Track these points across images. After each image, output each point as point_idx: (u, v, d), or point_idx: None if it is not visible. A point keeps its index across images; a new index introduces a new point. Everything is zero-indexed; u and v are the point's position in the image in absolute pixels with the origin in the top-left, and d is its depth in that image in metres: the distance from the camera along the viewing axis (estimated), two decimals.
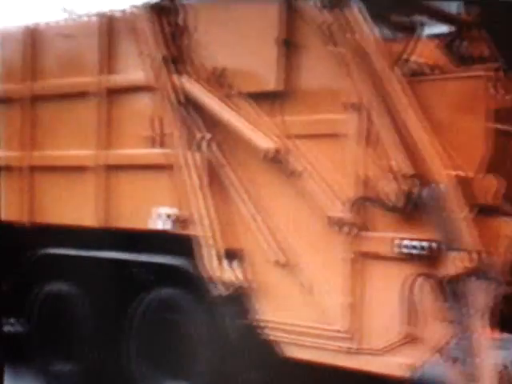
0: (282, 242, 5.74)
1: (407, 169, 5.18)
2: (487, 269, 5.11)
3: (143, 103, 6.52)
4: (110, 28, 6.75)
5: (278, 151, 5.67)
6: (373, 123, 5.31)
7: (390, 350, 5.33)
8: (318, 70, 5.58)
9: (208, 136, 6.02)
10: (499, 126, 5.79)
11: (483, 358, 5.09)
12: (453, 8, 6.84)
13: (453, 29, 6.80)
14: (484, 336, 5.22)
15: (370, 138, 5.34)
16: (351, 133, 5.39)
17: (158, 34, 6.26)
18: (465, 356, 5.12)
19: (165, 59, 6.20)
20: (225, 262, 5.90)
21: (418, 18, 5.88)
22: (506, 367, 5.38)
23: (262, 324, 5.86)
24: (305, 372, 5.92)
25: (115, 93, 6.69)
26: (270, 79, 5.75)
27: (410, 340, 5.28)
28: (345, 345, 5.48)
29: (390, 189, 5.23)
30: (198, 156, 6.03)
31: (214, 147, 6.01)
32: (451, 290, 5.15)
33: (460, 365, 5.18)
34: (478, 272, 5.09)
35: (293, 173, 5.64)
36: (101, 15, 6.86)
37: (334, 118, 5.48)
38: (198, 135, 6.04)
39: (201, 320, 6.09)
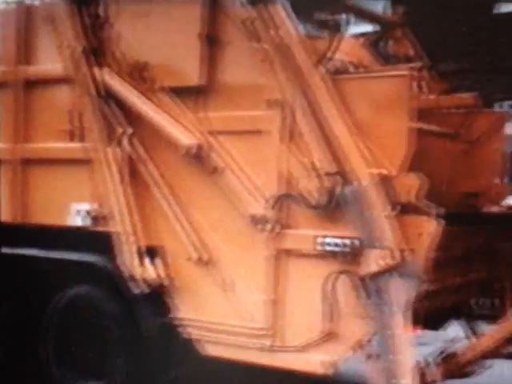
0: (205, 239, 5.68)
1: (330, 166, 5.18)
2: (409, 266, 5.16)
3: (62, 95, 6.34)
4: (27, 17, 6.54)
5: (200, 147, 5.60)
6: (296, 120, 5.30)
7: (311, 347, 5.34)
8: (241, 66, 5.53)
9: (129, 131, 5.90)
10: (422, 126, 5.88)
11: (404, 354, 5.12)
12: (379, 7, 6.91)
13: (378, 28, 6.88)
14: (405, 333, 5.27)
15: (293, 136, 5.32)
16: (274, 130, 5.36)
17: (77, 25, 6.10)
18: (386, 353, 5.15)
19: (85, 51, 6.04)
20: (146, 260, 5.80)
21: (342, 15, 5.89)
22: (427, 364, 5.46)
23: (183, 322, 5.79)
24: (227, 370, 5.89)
25: (33, 84, 6.50)
26: (192, 74, 5.66)
27: (331, 337, 5.30)
28: (266, 342, 5.46)
29: (312, 186, 5.22)
30: (118, 151, 5.90)
31: (136, 142, 5.90)
32: (373, 287, 5.17)
33: (381, 361, 5.21)
34: (399, 269, 5.13)
35: (215, 169, 5.58)
36: (19, 4, 6.65)
37: (257, 114, 5.44)
38: (119, 130, 5.91)
39: (120, 318, 5.98)
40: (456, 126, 6.40)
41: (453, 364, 5.59)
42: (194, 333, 5.75)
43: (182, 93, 5.75)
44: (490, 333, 5.53)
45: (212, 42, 5.59)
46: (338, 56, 5.53)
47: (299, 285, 5.37)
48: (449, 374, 5.60)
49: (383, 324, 5.16)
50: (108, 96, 5.94)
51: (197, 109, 5.71)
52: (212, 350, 5.71)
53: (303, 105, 5.24)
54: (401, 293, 5.16)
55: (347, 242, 5.23)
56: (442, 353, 5.68)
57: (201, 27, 5.60)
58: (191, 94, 5.72)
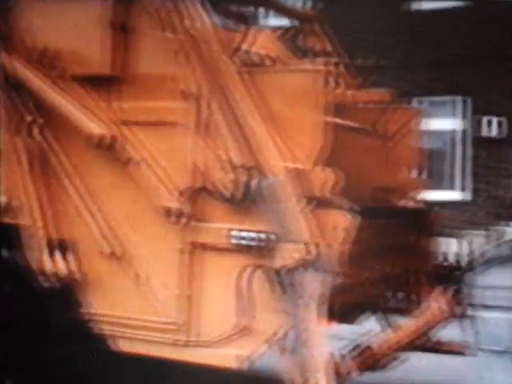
0: (118, 232, 5.58)
1: (245, 160, 5.14)
2: (324, 260, 5.18)
3: None
4: None
5: (113, 138, 5.49)
6: (211, 113, 5.25)
7: (225, 341, 5.30)
8: (156, 56, 5.45)
9: (40, 120, 5.74)
10: (338, 120, 5.90)
11: (319, 348, 5.14)
12: (297, 1, 6.92)
13: (295, 22, 6.87)
14: (320, 327, 5.29)
15: (208, 128, 5.27)
16: (189, 122, 5.29)
17: None
18: (300, 347, 5.16)
19: None
20: (56, 254, 5.67)
21: (259, 8, 5.87)
22: (342, 357, 5.48)
23: (95, 317, 5.67)
24: (139, 366, 5.80)
25: None
26: (105, 63, 5.54)
27: (246, 332, 5.28)
28: (181, 338, 5.40)
29: (227, 179, 5.18)
30: (28, 141, 5.74)
31: (47, 132, 5.75)
32: (288, 281, 5.17)
33: (295, 355, 5.22)
34: (314, 263, 5.14)
35: (129, 161, 5.47)
36: None
37: (171, 105, 5.37)
38: (28, 119, 5.75)
39: (29, 313, 5.83)
40: (372, 121, 6.43)
41: (368, 357, 5.62)
42: (106, 328, 5.65)
43: (95, 82, 5.63)
44: (405, 326, 5.59)
45: (126, 31, 5.49)
46: (254, 49, 5.52)
47: (214, 279, 5.33)
48: (364, 368, 5.64)
49: (298, 318, 5.17)
50: (17, 84, 5.77)
51: (110, 99, 5.60)
52: (125, 346, 5.61)
53: (219, 97, 5.19)
54: (315, 287, 5.17)
55: (262, 235, 5.22)
56: (357, 346, 5.71)
57: (114, 15, 5.49)
58: (104, 84, 5.61)
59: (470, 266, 5.42)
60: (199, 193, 5.31)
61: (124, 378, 5.96)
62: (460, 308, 5.42)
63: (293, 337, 5.24)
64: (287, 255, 5.12)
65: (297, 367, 5.21)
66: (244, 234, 5.26)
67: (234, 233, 5.29)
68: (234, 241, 5.29)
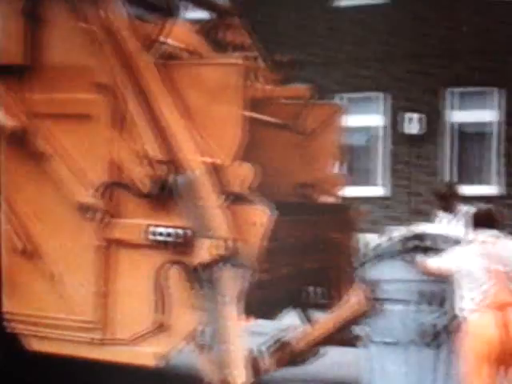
0: (30, 229, 5.42)
1: (160, 155, 5.06)
2: (241, 256, 5.14)
3: None
4: None
5: (24, 131, 5.32)
6: (127, 106, 5.14)
7: (142, 339, 5.22)
8: (69, 47, 5.31)
9: None
10: (257, 116, 5.86)
11: (236, 344, 5.10)
12: None
13: (214, 15, 6.80)
14: (238, 323, 5.25)
15: (123, 122, 5.16)
16: (104, 115, 5.18)
17: None
18: (218, 343, 5.11)
19: None
20: None
21: (177, 0, 5.78)
22: (260, 353, 5.46)
23: (7, 316, 5.50)
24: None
25: None
26: (17, 53, 5.37)
27: (164, 329, 5.20)
28: (97, 336, 5.29)
29: (142, 174, 5.08)
30: None
31: None
32: (205, 278, 5.12)
33: (213, 352, 5.17)
34: (232, 259, 5.10)
35: (42, 155, 5.32)
36: None
37: (85, 97, 5.24)
38: None
39: None
40: (292, 117, 6.42)
41: (286, 352, 5.61)
42: (19, 327, 5.48)
43: (6, 72, 5.43)
44: (324, 321, 5.59)
45: (38, 21, 5.33)
46: (171, 41, 5.42)
47: (130, 276, 5.23)
48: (282, 363, 5.62)
49: (215, 314, 5.12)
50: None
51: (22, 90, 5.42)
52: (39, 345, 5.46)
53: (134, 90, 5.09)
54: (233, 283, 5.12)
55: (180, 231, 5.15)
56: (275, 342, 5.69)
57: (26, 4, 5.32)
58: (16, 74, 5.42)
59: (364, 261, 5.50)
60: (115, 188, 5.19)
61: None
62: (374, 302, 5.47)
63: (211, 333, 5.20)
64: (205, 251, 5.06)
65: (215, 364, 5.16)
66: (162, 229, 5.18)
67: (151, 229, 5.20)
68: (151, 237, 5.20)
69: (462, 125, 12.07)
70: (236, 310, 5.20)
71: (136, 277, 5.22)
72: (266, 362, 5.47)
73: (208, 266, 5.07)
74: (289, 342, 5.63)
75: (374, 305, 5.38)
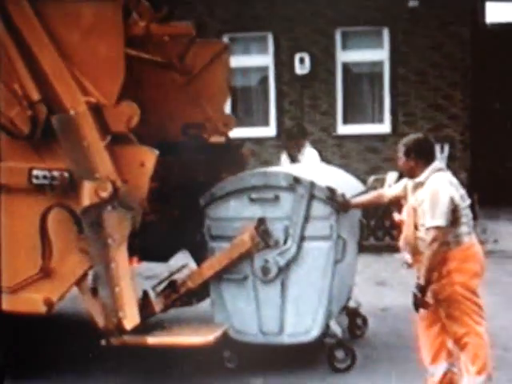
0: None
1: (34, 94, 4.91)
2: (124, 198, 5.06)
3: None
4: None
5: None
6: (2, 45, 4.94)
7: (24, 286, 5.12)
8: None
9: None
10: (139, 54, 5.73)
11: (123, 287, 5.05)
12: None
13: None
14: (127, 265, 5.20)
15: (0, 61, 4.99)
16: None
17: None
18: (104, 287, 5.06)
19: None
20: None
21: None
22: (147, 295, 5.44)
23: None
24: None
25: None
26: None
27: (50, 275, 5.11)
28: None
29: (15, 115, 4.92)
30: None
31: None
32: (87, 221, 5.03)
33: (100, 296, 5.13)
34: (114, 201, 5.01)
35: None
36: None
37: None
38: None
39: None
40: (176, 56, 6.30)
41: (175, 294, 5.61)
42: None
43: None
44: (214, 259, 5.59)
45: None
46: None
47: (11, 222, 5.09)
48: (170, 304, 5.63)
49: (100, 258, 5.05)
50: None
51: None
52: None
53: (8, 29, 4.89)
54: (116, 225, 5.05)
55: (65, 174, 5.04)
56: (167, 283, 5.69)
57: None
58: None
59: (210, 199, 5.53)
60: None
61: None
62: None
63: (96, 277, 5.13)
64: (85, 193, 4.97)
65: (102, 308, 5.12)
66: (45, 173, 5.05)
67: (34, 172, 5.07)
68: (35, 181, 5.07)
69: (352, 64, 12.19)
70: (125, 252, 5.15)
71: (17, 222, 5.09)
72: (154, 303, 5.46)
73: (90, 209, 4.98)
74: (177, 283, 5.63)
75: (266, 241, 5.44)
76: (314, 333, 5.51)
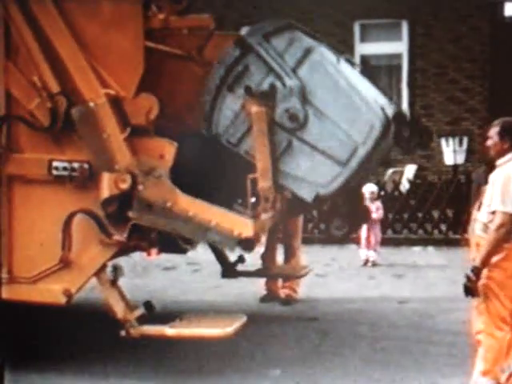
0: None
1: (53, 86, 4.94)
2: (148, 190, 5.05)
3: None
4: None
5: None
6: (20, 36, 4.98)
7: (48, 277, 5.14)
8: None
9: None
10: (158, 46, 5.73)
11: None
12: None
13: None
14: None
15: (17, 52, 5.02)
16: None
17: None
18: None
19: None
20: None
21: None
22: None
23: None
24: None
25: None
26: None
27: (69, 266, 5.13)
28: (2, 275, 5.14)
29: (35, 107, 4.95)
30: None
31: None
32: (112, 212, 5.04)
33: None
34: (138, 193, 5.02)
35: None
36: None
37: None
38: None
39: None
40: (195, 48, 6.29)
41: None
42: None
43: None
44: None
45: None
46: None
47: (30, 212, 5.13)
48: None
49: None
50: None
51: None
52: None
53: (24, 20, 4.93)
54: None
55: (85, 165, 5.05)
56: None
57: None
58: None
59: None
60: (9, 121, 5.05)
61: None
62: None
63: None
64: (111, 185, 4.98)
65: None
66: (65, 164, 5.07)
67: (54, 163, 5.09)
68: (55, 172, 5.09)
69: (370, 57, 12.16)
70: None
71: (37, 213, 5.13)
72: None
73: (109, 200, 5.00)
74: None
75: None
76: None
